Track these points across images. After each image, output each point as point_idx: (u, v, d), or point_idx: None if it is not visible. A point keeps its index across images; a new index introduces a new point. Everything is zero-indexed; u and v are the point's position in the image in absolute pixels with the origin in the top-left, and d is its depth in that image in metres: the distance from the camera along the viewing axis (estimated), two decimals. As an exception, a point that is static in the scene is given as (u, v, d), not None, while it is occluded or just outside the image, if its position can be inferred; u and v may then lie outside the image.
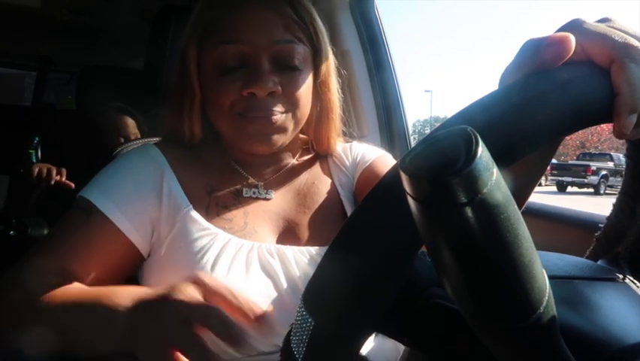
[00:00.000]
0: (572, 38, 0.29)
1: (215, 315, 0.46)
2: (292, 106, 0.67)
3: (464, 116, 0.27)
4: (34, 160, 1.92)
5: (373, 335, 0.32)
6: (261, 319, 0.50)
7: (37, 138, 1.88)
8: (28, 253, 0.61)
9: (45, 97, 2.89)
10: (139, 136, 1.57)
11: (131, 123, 1.64)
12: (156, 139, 0.83)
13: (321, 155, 0.80)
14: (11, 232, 1.83)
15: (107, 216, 0.61)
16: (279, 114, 0.65)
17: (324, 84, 0.73)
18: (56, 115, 2.28)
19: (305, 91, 0.68)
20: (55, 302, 0.55)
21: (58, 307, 0.55)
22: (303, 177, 0.76)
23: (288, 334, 0.31)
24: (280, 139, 0.67)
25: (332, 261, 0.29)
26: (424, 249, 0.25)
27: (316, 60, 0.71)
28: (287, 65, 0.66)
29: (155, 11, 1.10)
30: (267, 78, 0.63)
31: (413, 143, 1.42)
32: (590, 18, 0.32)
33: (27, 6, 1.78)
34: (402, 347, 0.67)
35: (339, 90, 0.78)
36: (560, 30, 0.31)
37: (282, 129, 0.66)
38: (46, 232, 1.38)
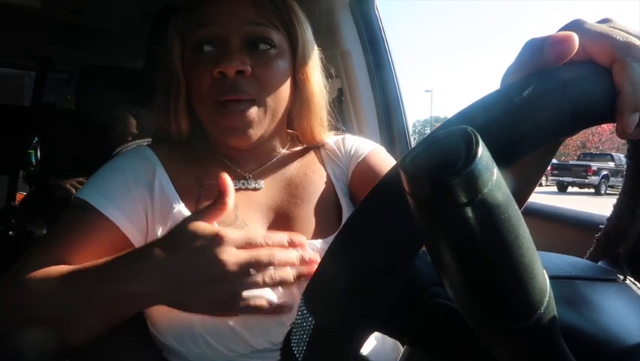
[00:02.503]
0: (575, 37, 0.29)
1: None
2: (264, 90, 0.66)
3: (465, 116, 0.27)
4: (34, 160, 1.92)
5: (374, 335, 0.32)
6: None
7: (36, 138, 1.88)
8: (27, 252, 0.61)
9: (45, 97, 2.89)
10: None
11: (134, 122, 1.64)
12: (149, 140, 0.84)
13: (311, 147, 0.80)
14: (10, 232, 1.83)
15: (102, 212, 0.62)
16: (252, 107, 0.65)
17: (303, 74, 0.72)
18: (56, 115, 2.28)
19: (278, 75, 0.68)
20: (54, 279, 0.55)
21: (59, 283, 0.55)
22: (294, 168, 0.76)
23: (288, 333, 0.30)
24: (256, 133, 0.67)
25: (333, 260, 0.29)
26: (425, 248, 0.25)
27: (293, 49, 0.71)
28: (258, 46, 0.67)
29: (155, 12, 1.10)
30: (235, 57, 0.64)
31: (413, 143, 1.42)
32: (590, 19, 0.32)
33: (26, 6, 1.77)
34: (402, 348, 0.67)
35: (327, 85, 0.77)
36: (561, 30, 0.31)
37: (256, 123, 0.66)
38: (45, 232, 1.38)
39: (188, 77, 0.69)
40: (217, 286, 0.50)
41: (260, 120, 0.67)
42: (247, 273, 0.50)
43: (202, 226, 0.51)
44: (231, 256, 0.50)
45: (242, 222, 0.67)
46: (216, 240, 0.50)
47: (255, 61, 0.65)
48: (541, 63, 0.29)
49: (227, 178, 0.54)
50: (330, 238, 0.67)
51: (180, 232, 0.52)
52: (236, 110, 0.64)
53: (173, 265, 0.51)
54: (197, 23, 0.67)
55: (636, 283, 0.34)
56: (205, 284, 0.50)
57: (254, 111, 0.66)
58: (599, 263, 0.39)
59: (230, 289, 0.50)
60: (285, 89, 0.70)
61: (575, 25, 0.31)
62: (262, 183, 0.72)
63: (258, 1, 0.67)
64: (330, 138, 0.81)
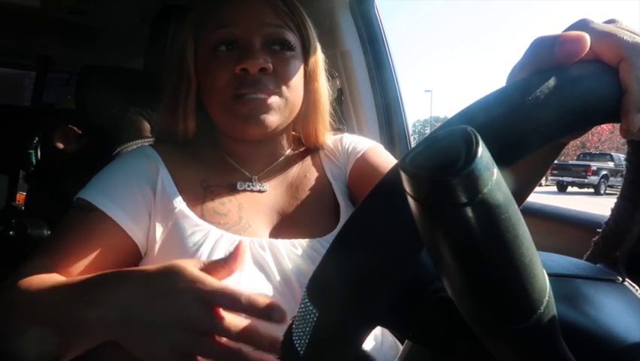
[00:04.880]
0: (587, 37, 0.29)
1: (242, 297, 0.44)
2: (284, 86, 0.68)
3: (465, 115, 0.27)
4: (34, 160, 1.92)
5: (372, 333, 0.32)
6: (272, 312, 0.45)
7: (36, 138, 1.88)
8: (30, 256, 0.61)
9: (45, 97, 2.89)
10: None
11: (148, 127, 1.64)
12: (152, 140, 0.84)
13: (312, 148, 0.82)
14: (11, 232, 1.83)
15: (105, 212, 0.62)
16: (273, 95, 0.67)
17: (313, 75, 0.74)
18: (56, 115, 2.28)
19: (296, 74, 0.70)
20: (41, 290, 0.53)
21: (43, 294, 0.53)
22: (295, 170, 0.77)
23: (289, 327, 0.30)
24: (273, 121, 0.68)
25: (336, 254, 0.29)
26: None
27: (305, 51, 0.73)
28: (278, 45, 0.69)
29: (155, 12, 1.10)
30: (259, 55, 0.66)
31: (413, 143, 1.42)
32: (593, 19, 0.32)
33: (26, 6, 1.77)
34: (400, 347, 0.67)
35: (330, 88, 0.79)
36: (567, 30, 0.31)
37: (274, 110, 0.67)
38: (45, 232, 1.38)
39: (201, 75, 0.70)
40: (174, 337, 0.45)
41: (280, 109, 0.68)
42: (206, 335, 0.45)
43: (189, 271, 0.47)
44: (201, 311, 0.44)
45: (246, 223, 0.67)
46: (195, 288, 0.45)
47: (275, 60, 0.67)
48: (551, 61, 0.29)
49: (243, 246, 0.50)
50: (328, 237, 0.68)
51: (169, 270, 0.48)
52: (257, 98, 0.66)
53: (146, 298, 0.47)
54: (214, 25, 0.68)
55: (634, 285, 0.34)
56: (165, 330, 0.45)
57: (275, 99, 0.67)
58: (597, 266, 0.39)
59: (184, 345, 0.45)
60: (301, 88, 0.72)
61: (582, 25, 0.31)
62: (267, 185, 0.73)
63: (274, 3, 0.69)
64: (329, 138, 0.83)
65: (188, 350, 0.45)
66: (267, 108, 0.66)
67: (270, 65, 0.66)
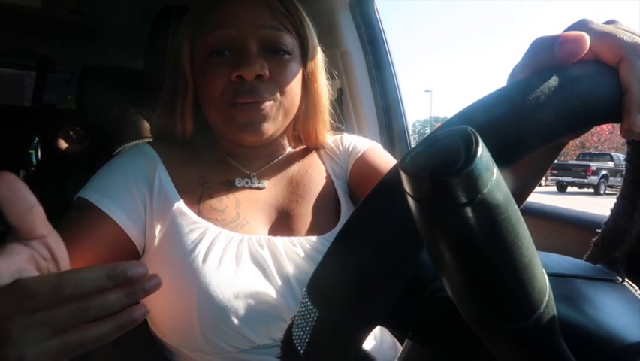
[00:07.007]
0: (587, 37, 0.29)
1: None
2: (281, 92, 0.68)
3: (465, 115, 0.27)
4: (34, 160, 1.92)
5: (372, 334, 0.32)
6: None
7: (37, 138, 1.88)
8: None
9: (45, 97, 2.89)
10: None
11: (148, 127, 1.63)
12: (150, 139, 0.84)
13: (313, 147, 0.82)
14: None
15: (101, 208, 0.62)
16: (267, 101, 0.66)
17: (312, 76, 0.74)
18: (56, 115, 2.28)
19: (293, 78, 0.69)
20: None
21: None
22: (296, 167, 0.77)
23: (289, 327, 0.30)
24: (270, 128, 0.67)
25: (337, 254, 0.29)
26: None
27: (304, 52, 0.72)
28: (275, 50, 0.68)
29: (155, 12, 1.10)
30: (254, 61, 0.64)
31: (413, 143, 1.42)
32: (593, 19, 0.32)
33: (26, 6, 1.77)
34: (400, 347, 0.67)
35: (330, 88, 0.79)
36: (567, 30, 0.31)
37: (271, 117, 0.67)
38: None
39: (198, 78, 0.70)
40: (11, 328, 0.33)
41: (275, 116, 0.68)
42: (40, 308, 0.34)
43: None
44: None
45: (243, 220, 0.67)
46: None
47: (271, 65, 0.66)
48: (551, 61, 0.29)
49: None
50: (328, 235, 0.68)
51: None
52: (253, 106, 0.65)
53: None
54: (209, 26, 0.67)
55: (634, 285, 0.34)
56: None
57: (269, 105, 0.67)
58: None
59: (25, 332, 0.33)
60: (298, 92, 0.71)
61: (582, 25, 0.31)
62: (265, 182, 0.73)
63: (271, 4, 0.68)
64: (329, 138, 0.83)
65: (38, 335, 0.34)
66: (263, 116, 0.66)
67: (267, 72, 0.65)
